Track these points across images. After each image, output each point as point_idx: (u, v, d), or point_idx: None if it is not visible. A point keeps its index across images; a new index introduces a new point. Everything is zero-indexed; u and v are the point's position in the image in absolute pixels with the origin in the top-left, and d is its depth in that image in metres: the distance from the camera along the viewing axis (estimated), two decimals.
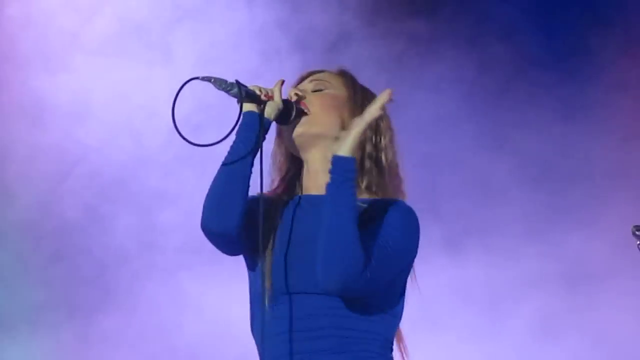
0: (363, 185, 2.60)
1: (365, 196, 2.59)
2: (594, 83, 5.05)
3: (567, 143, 5.05)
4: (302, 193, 2.64)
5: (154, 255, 5.13)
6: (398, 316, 2.58)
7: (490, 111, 5.13)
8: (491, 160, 5.07)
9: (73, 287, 5.14)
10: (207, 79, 2.52)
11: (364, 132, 2.50)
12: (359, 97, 2.67)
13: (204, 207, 2.51)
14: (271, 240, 2.55)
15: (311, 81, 2.69)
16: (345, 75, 2.72)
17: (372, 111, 2.49)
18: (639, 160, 5.02)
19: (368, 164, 2.62)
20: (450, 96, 5.10)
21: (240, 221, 2.49)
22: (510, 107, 5.12)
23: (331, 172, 2.46)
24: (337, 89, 2.67)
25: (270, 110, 2.56)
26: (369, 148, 2.62)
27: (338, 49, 5.09)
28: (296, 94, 2.63)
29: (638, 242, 2.68)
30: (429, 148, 4.98)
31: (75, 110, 5.19)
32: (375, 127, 2.63)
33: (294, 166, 2.69)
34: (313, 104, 2.63)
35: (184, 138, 2.49)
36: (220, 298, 4.85)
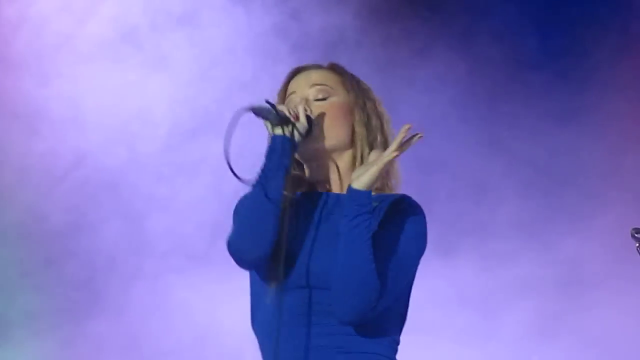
0: None
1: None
2: (589, 85, 5.06)
3: (562, 145, 5.05)
4: (322, 189, 2.63)
5: (143, 259, 5.12)
6: (405, 316, 2.58)
7: (484, 112, 5.12)
8: (485, 162, 5.07)
9: (64, 292, 5.13)
10: (251, 109, 2.46)
11: (383, 170, 2.48)
12: (361, 98, 2.65)
13: (235, 232, 2.49)
14: (294, 236, 2.52)
15: (311, 86, 2.64)
16: (342, 74, 2.68)
17: (391, 149, 2.47)
18: (633, 161, 5.02)
19: None
20: (444, 97, 5.10)
21: (272, 244, 2.47)
22: (504, 109, 5.12)
23: (346, 203, 2.45)
24: (339, 95, 2.65)
25: (298, 131, 2.53)
26: (377, 146, 2.61)
27: (334, 50, 5.07)
28: (305, 109, 2.58)
29: (637, 245, 2.66)
30: (422, 149, 4.93)
31: (69, 115, 5.17)
32: (381, 128, 2.63)
33: (295, 169, 2.65)
34: (321, 117, 2.60)
35: (236, 175, 2.44)
36: (208, 302, 4.84)
